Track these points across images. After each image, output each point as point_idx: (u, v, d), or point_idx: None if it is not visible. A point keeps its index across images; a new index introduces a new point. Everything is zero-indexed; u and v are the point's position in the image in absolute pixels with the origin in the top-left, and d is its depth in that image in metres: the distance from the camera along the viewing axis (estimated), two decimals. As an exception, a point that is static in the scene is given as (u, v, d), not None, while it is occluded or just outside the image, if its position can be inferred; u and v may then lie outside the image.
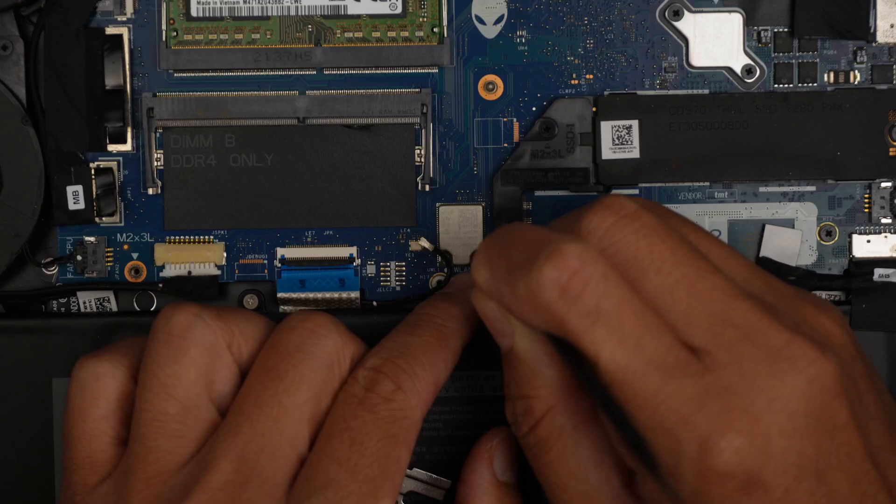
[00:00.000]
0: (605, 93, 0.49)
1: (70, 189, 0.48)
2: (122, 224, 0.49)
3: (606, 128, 0.48)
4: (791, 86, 0.49)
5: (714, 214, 0.49)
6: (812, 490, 0.35)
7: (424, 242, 0.48)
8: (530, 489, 0.44)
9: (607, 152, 0.48)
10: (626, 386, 0.36)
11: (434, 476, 0.46)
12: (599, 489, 0.39)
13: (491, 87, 0.49)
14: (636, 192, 0.49)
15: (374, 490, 0.38)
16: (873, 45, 0.48)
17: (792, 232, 0.49)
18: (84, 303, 0.49)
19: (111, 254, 0.49)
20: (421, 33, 0.48)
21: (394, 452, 0.39)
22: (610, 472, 0.39)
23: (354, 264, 0.49)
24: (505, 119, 0.49)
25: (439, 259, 0.49)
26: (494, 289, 0.39)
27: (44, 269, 0.49)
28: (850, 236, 0.49)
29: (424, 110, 0.48)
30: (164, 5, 0.48)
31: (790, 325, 0.37)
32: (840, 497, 0.36)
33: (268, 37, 0.48)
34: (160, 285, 0.49)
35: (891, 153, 0.48)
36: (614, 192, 0.48)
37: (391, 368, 0.40)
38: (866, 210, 0.49)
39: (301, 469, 0.39)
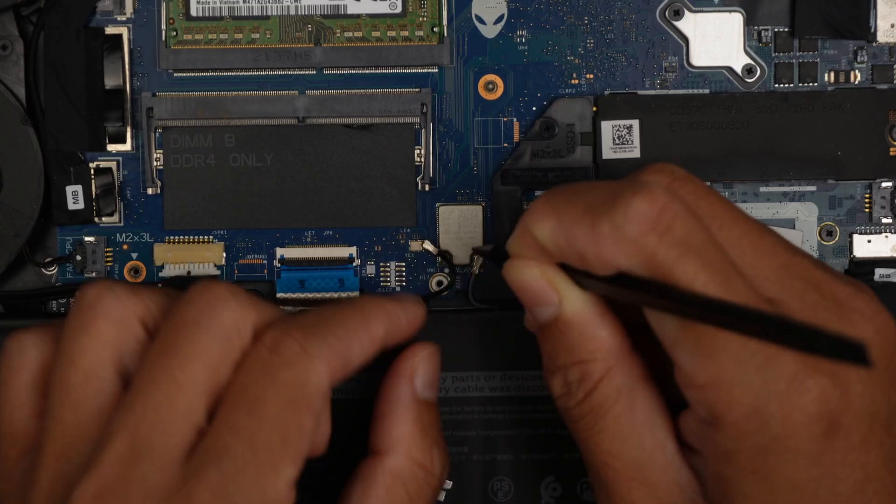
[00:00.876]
0: (606, 92, 0.49)
1: (70, 189, 0.48)
2: (122, 224, 0.49)
3: (607, 127, 0.48)
4: (791, 86, 0.49)
5: (714, 214, 0.49)
6: (883, 441, 0.35)
7: (428, 245, 0.48)
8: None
9: (608, 152, 0.48)
10: None
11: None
12: (654, 455, 0.38)
13: (491, 86, 0.49)
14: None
15: (273, 460, 0.36)
16: (873, 44, 0.48)
17: (792, 232, 0.49)
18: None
19: (111, 254, 0.49)
20: (421, 33, 0.48)
21: (295, 421, 0.37)
22: (664, 437, 0.38)
23: (354, 264, 0.49)
24: (505, 119, 0.49)
25: (439, 259, 0.49)
26: (564, 235, 0.38)
27: (43, 269, 0.49)
28: (850, 236, 0.49)
29: (424, 110, 0.48)
30: (163, 5, 0.48)
31: (849, 282, 0.37)
32: None
33: (267, 36, 0.48)
34: (159, 285, 0.49)
35: (891, 153, 0.48)
36: None
37: (299, 333, 0.38)
38: (867, 210, 0.49)
39: (200, 440, 0.37)
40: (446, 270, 0.49)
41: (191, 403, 0.37)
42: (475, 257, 0.48)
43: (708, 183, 0.49)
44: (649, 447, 0.38)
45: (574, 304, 0.39)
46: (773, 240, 0.38)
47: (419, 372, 0.42)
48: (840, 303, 0.37)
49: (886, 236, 0.49)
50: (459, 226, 0.49)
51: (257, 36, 0.48)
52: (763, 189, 0.49)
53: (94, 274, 0.49)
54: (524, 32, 0.49)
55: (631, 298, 0.37)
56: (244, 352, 0.38)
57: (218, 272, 0.49)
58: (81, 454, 0.38)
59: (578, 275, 0.38)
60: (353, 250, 0.49)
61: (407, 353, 0.42)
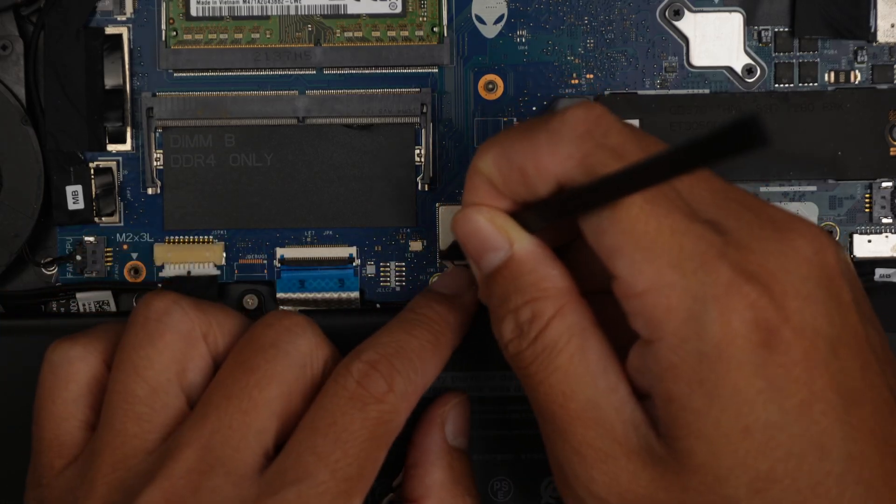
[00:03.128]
0: (606, 92, 0.49)
1: (70, 189, 0.48)
2: (122, 224, 0.49)
3: (606, 127, 0.48)
4: (791, 86, 0.49)
5: (714, 214, 0.49)
6: (828, 361, 0.35)
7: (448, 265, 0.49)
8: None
9: (607, 152, 0.48)
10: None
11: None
12: (607, 396, 0.37)
13: (491, 86, 0.49)
14: (636, 191, 0.49)
15: (349, 489, 0.38)
16: (874, 44, 0.48)
17: (792, 232, 0.49)
18: (83, 304, 0.49)
19: (111, 254, 0.49)
20: (421, 33, 0.48)
21: (373, 454, 0.39)
22: (617, 378, 0.37)
23: (354, 264, 0.49)
24: (505, 119, 0.49)
25: (439, 260, 0.49)
26: (504, 156, 0.38)
27: (43, 269, 0.49)
28: (850, 236, 0.49)
29: (424, 110, 0.48)
30: (163, 5, 0.48)
31: (786, 211, 0.37)
32: (853, 378, 0.35)
33: (267, 36, 0.48)
34: (160, 285, 0.49)
35: (891, 153, 0.48)
36: None
37: (386, 368, 0.39)
38: (867, 210, 0.49)
39: (276, 457, 0.39)
40: (447, 270, 0.49)
41: (264, 424, 0.38)
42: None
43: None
44: (603, 388, 0.37)
45: (524, 243, 0.39)
46: (709, 172, 0.38)
47: (449, 420, 0.43)
48: (777, 224, 0.36)
49: (887, 236, 0.49)
50: (459, 226, 0.49)
51: (257, 36, 0.48)
52: (763, 189, 0.49)
53: (94, 274, 0.49)
54: (524, 32, 0.49)
55: (572, 211, 0.37)
56: (314, 383, 0.40)
57: (218, 272, 0.49)
58: (142, 463, 0.38)
59: (526, 215, 0.39)
60: (353, 250, 0.49)
61: (438, 401, 0.43)
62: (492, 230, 0.39)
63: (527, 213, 0.39)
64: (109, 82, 0.48)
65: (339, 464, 0.38)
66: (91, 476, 0.39)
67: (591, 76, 0.49)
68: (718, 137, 0.30)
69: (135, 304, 0.49)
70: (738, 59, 0.49)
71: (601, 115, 0.37)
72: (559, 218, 0.38)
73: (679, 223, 0.35)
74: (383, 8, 0.48)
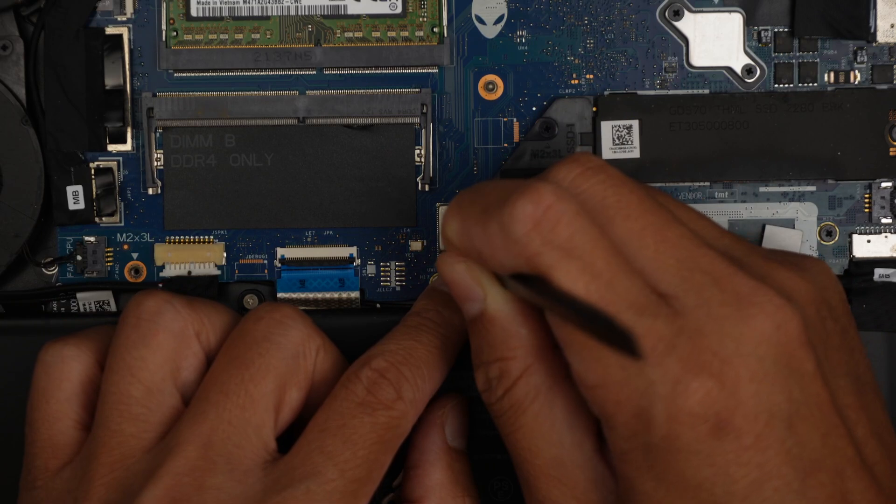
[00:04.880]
0: (606, 93, 0.49)
1: (70, 189, 0.48)
2: (122, 224, 0.49)
3: (607, 128, 0.48)
4: (791, 86, 0.49)
5: (714, 214, 0.49)
6: (783, 439, 0.35)
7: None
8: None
9: (608, 152, 0.48)
10: None
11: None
12: (572, 453, 0.38)
13: (491, 87, 0.49)
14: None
15: (356, 490, 0.38)
16: (873, 44, 0.48)
17: (792, 232, 0.49)
18: (83, 304, 0.49)
19: (111, 254, 0.49)
20: (421, 33, 0.48)
21: (381, 458, 0.39)
22: (583, 435, 0.38)
23: (354, 264, 0.49)
24: (505, 119, 0.49)
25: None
26: (465, 234, 0.38)
27: (44, 269, 0.49)
28: (850, 236, 0.49)
29: (424, 110, 0.48)
30: (164, 5, 0.48)
31: (756, 276, 0.37)
32: (811, 449, 0.36)
33: (268, 37, 0.48)
34: (160, 285, 0.49)
35: (891, 153, 0.48)
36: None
37: (395, 375, 0.40)
38: (866, 210, 0.49)
39: (282, 457, 0.39)
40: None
41: (262, 418, 0.39)
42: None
43: (707, 183, 0.49)
44: (567, 445, 0.38)
45: (496, 301, 0.39)
46: (680, 231, 0.37)
47: (449, 421, 0.43)
48: (740, 298, 0.36)
49: (886, 236, 0.49)
50: (459, 226, 0.49)
51: (257, 36, 0.48)
52: (763, 189, 0.49)
53: (94, 274, 0.49)
54: (524, 32, 0.49)
55: (532, 300, 0.38)
56: (308, 373, 0.40)
57: (218, 272, 0.49)
58: (140, 463, 0.38)
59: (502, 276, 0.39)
60: (353, 250, 0.49)
61: (437, 403, 0.43)
62: (469, 282, 0.39)
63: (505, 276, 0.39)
64: (109, 82, 0.48)
65: (349, 464, 0.38)
66: (88, 477, 0.39)
67: (591, 76, 0.49)
68: (603, 325, 0.33)
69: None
70: (737, 60, 0.49)
71: (550, 206, 0.36)
72: (524, 299, 0.38)
73: (627, 319, 0.35)
74: (383, 8, 0.48)
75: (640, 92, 0.49)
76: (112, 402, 0.39)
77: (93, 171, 0.49)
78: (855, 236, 0.49)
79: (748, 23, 0.49)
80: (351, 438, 0.38)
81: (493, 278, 0.39)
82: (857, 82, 0.49)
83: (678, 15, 0.49)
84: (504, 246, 0.37)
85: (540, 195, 0.36)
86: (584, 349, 0.36)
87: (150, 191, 0.49)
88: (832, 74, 0.49)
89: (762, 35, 0.49)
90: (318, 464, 0.38)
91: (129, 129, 0.49)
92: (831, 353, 0.38)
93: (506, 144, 0.49)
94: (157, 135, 0.49)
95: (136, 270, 0.49)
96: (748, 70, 0.49)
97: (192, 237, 0.49)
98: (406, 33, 0.48)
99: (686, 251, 0.37)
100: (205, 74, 0.49)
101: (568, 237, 0.36)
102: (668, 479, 0.35)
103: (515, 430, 0.39)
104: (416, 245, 0.49)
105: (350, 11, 0.48)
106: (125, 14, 0.49)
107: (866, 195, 0.49)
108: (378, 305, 0.49)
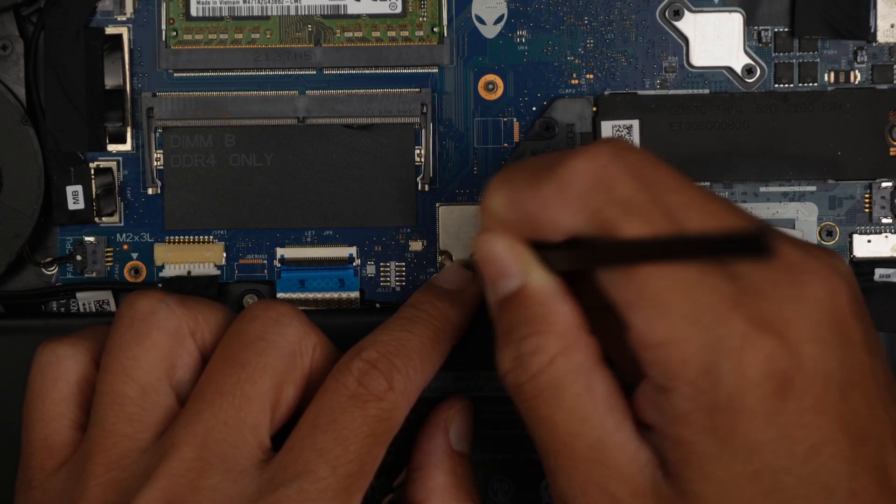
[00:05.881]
0: (606, 92, 0.49)
1: (70, 189, 0.48)
2: (122, 224, 0.49)
3: (607, 127, 0.48)
4: (791, 86, 0.49)
5: (714, 214, 0.49)
6: (837, 404, 0.35)
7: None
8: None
9: (607, 152, 0.48)
10: None
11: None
12: (613, 436, 0.37)
13: (491, 86, 0.49)
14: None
15: (350, 486, 0.38)
16: (873, 44, 0.48)
17: (793, 232, 0.49)
18: (83, 304, 0.49)
19: (111, 254, 0.49)
20: (421, 33, 0.48)
21: (373, 451, 0.39)
22: (623, 417, 0.38)
23: (354, 264, 0.49)
24: (505, 119, 0.49)
25: (439, 260, 0.49)
26: (514, 202, 0.38)
27: (43, 269, 0.49)
28: (850, 236, 0.49)
29: (424, 110, 0.48)
30: (163, 5, 0.48)
31: (802, 248, 0.37)
32: (860, 417, 0.36)
33: (268, 37, 0.48)
34: (160, 285, 0.49)
35: (891, 153, 0.48)
36: None
37: (386, 366, 0.39)
38: (867, 210, 0.49)
39: (275, 455, 0.39)
40: (446, 270, 0.49)
41: (258, 418, 0.38)
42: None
43: (708, 183, 0.49)
44: (609, 427, 0.37)
45: (539, 276, 0.39)
46: (721, 205, 0.38)
47: (453, 425, 0.43)
48: (791, 265, 0.36)
49: (886, 236, 0.49)
50: (459, 226, 0.49)
51: (257, 36, 0.48)
52: (763, 189, 0.49)
53: (94, 274, 0.49)
54: (524, 32, 0.49)
55: (586, 262, 0.37)
56: (304, 371, 0.40)
57: (218, 272, 0.49)
58: (136, 463, 0.38)
59: (545, 250, 0.39)
60: (353, 250, 0.49)
61: (442, 406, 0.43)
62: (510, 258, 0.39)
63: (546, 250, 0.39)
64: (109, 82, 0.48)
65: (340, 460, 0.38)
66: (84, 477, 0.39)
67: (591, 76, 0.49)
68: (730, 240, 0.32)
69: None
70: (737, 59, 0.49)
71: (607, 166, 0.37)
72: (573, 268, 0.38)
73: (692, 276, 0.35)
74: (383, 8, 0.48)
75: (640, 92, 0.49)
76: (107, 402, 0.39)
77: (93, 171, 0.49)
78: (855, 236, 0.49)
79: (748, 23, 0.49)
80: (342, 434, 0.38)
81: (535, 254, 0.39)
82: (857, 82, 0.49)
83: (678, 15, 0.49)
84: (562, 204, 0.37)
85: (597, 154, 0.37)
86: (651, 306, 0.36)
87: (150, 191, 0.49)
88: (832, 74, 0.49)
89: (762, 35, 0.49)
90: (310, 461, 0.38)
91: (128, 129, 0.49)
92: (869, 328, 0.38)
93: (506, 144, 0.49)
94: (157, 135, 0.49)
95: (136, 270, 0.49)
96: (748, 70, 0.49)
97: (191, 237, 0.49)
98: (406, 33, 0.48)
99: (729, 221, 0.37)
100: (205, 74, 0.49)
101: (627, 194, 0.36)
102: (732, 441, 0.35)
103: (554, 412, 0.38)
104: (415, 245, 0.49)
105: (350, 11, 0.48)
106: (125, 14, 0.49)
107: (866, 195, 0.49)
108: (378, 305, 0.49)
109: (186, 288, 0.48)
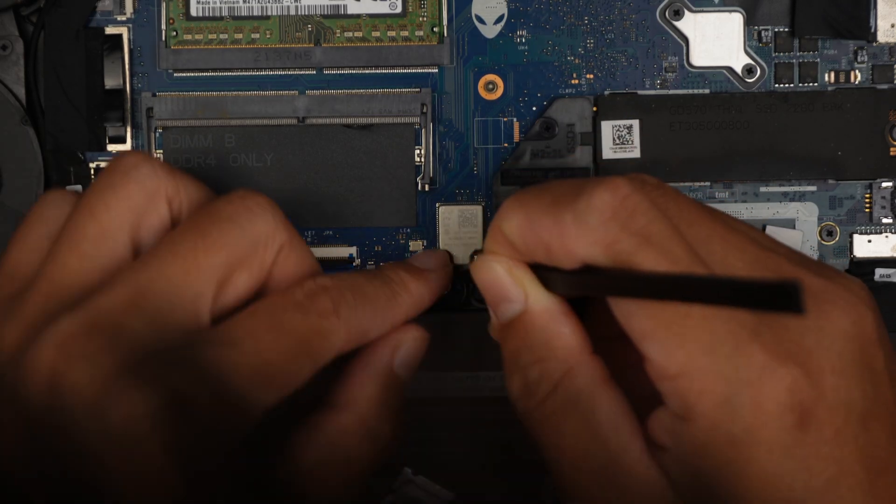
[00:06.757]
0: (606, 92, 0.49)
1: (70, 189, 0.48)
2: (122, 224, 0.49)
3: (607, 127, 0.48)
4: (791, 86, 0.49)
5: (714, 214, 0.49)
6: (857, 435, 0.35)
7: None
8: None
9: (608, 152, 0.48)
10: None
11: (437, 487, 0.46)
12: (619, 458, 0.37)
13: (491, 86, 0.49)
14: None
15: (269, 375, 0.37)
16: (874, 44, 0.48)
17: (793, 232, 0.49)
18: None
19: (111, 254, 0.49)
20: (421, 33, 0.48)
21: (301, 360, 0.38)
22: (630, 437, 0.37)
23: (354, 264, 0.49)
24: (505, 119, 0.49)
25: (439, 259, 0.49)
26: (530, 227, 0.38)
27: (43, 269, 0.49)
28: (850, 236, 0.49)
29: (424, 110, 0.48)
30: (163, 5, 0.48)
31: (824, 275, 0.37)
32: (881, 448, 0.36)
33: (267, 36, 0.48)
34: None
35: (891, 153, 0.48)
36: None
37: (337, 294, 0.39)
38: (867, 210, 0.49)
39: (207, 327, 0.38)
40: (446, 270, 0.49)
41: (202, 288, 0.37)
42: (475, 258, 0.48)
43: (708, 183, 0.49)
44: (615, 448, 0.37)
45: (539, 300, 0.39)
46: (744, 236, 0.38)
47: (402, 348, 0.42)
48: (814, 294, 0.36)
49: (887, 236, 0.49)
50: (459, 226, 0.49)
51: (257, 36, 0.48)
52: (763, 189, 0.49)
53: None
54: (524, 32, 0.49)
55: (597, 290, 0.37)
56: (262, 264, 0.39)
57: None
58: (74, 298, 0.37)
59: (546, 272, 0.39)
60: (353, 250, 0.49)
61: (399, 328, 0.42)
62: (509, 282, 0.39)
63: (547, 272, 0.39)
64: (109, 82, 0.48)
65: (266, 345, 0.37)
66: (24, 300, 0.38)
67: (591, 76, 0.49)
68: (759, 290, 0.31)
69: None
70: (738, 59, 0.49)
71: (628, 196, 0.37)
72: (582, 294, 0.38)
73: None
74: (383, 8, 0.48)
75: (640, 92, 0.49)
76: (64, 236, 0.38)
77: (92, 171, 0.49)
78: (855, 236, 0.49)
79: (748, 23, 0.49)
80: (277, 325, 0.37)
81: (535, 278, 0.39)
82: (857, 82, 0.49)
83: (678, 15, 0.48)
84: (580, 234, 0.37)
85: (617, 186, 0.37)
86: (667, 336, 0.35)
87: (150, 191, 0.49)
88: (832, 74, 0.49)
89: (762, 35, 0.49)
90: (238, 337, 0.37)
91: (128, 129, 0.49)
92: (890, 355, 0.38)
93: (506, 144, 0.49)
94: (157, 135, 0.49)
95: (136, 270, 0.49)
96: (748, 70, 0.49)
97: (191, 237, 0.49)
98: (406, 33, 0.48)
99: (752, 254, 0.37)
100: (205, 74, 0.49)
101: (645, 225, 0.36)
102: (748, 474, 0.35)
103: (560, 437, 0.38)
104: (416, 245, 0.49)
105: (350, 11, 0.48)
106: (125, 14, 0.49)
107: (867, 195, 0.49)
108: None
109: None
